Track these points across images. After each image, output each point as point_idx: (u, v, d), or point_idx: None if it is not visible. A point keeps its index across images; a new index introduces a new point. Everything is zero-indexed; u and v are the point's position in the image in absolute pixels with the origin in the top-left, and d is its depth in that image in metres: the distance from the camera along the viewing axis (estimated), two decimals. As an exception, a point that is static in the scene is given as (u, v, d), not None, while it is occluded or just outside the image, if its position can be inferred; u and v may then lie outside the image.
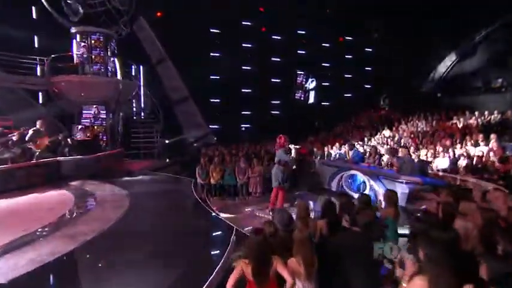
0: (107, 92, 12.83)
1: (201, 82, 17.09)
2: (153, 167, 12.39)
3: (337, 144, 14.83)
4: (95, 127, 12.83)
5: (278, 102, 20.37)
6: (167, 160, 14.25)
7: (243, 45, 19.11)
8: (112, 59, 13.35)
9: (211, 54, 18.24)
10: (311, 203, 6.01)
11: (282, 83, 20.03)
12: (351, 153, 9.56)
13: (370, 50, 20.88)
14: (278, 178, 7.40)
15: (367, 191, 8.16)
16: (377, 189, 7.82)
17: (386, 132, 16.26)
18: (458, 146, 12.36)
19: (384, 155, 9.33)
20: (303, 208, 3.89)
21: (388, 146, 12.10)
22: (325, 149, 13.69)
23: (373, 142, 15.58)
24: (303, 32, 20.16)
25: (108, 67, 13.23)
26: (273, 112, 20.37)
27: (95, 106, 12.87)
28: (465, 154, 10.96)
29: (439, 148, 11.93)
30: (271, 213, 7.26)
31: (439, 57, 17.82)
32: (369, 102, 19.59)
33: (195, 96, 17.12)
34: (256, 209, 7.89)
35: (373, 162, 8.60)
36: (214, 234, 5.39)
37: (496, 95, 15.11)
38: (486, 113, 14.22)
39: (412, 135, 14.68)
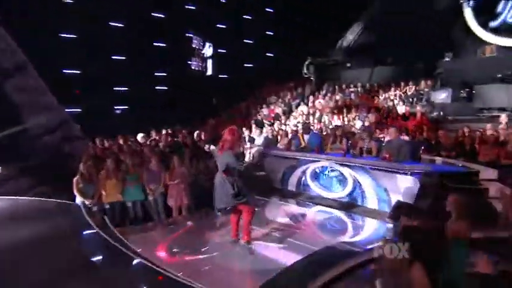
0: None
1: (47, 42, 12.26)
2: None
3: (253, 126, 13.24)
4: None
5: (165, 74, 17.09)
6: (-2, 170, 9.59)
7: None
8: None
9: (62, -1, 13.46)
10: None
11: (170, 47, 16.76)
12: (306, 137, 7.94)
13: (272, 10, 19.66)
14: (230, 194, 4.94)
15: (348, 188, 6.70)
16: (363, 183, 6.43)
17: (304, 108, 15.57)
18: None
19: (350, 138, 8.05)
20: None
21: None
22: (246, 133, 11.97)
23: (292, 121, 14.66)
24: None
25: None
26: (158, 88, 17.01)
27: None
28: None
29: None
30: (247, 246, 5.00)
31: (348, 23, 18.04)
32: (274, 73, 18.54)
33: (38, 63, 12.24)
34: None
35: (347, 149, 7.17)
36: None
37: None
38: (402, 84, 15.10)
39: (335, 111, 14.35)
